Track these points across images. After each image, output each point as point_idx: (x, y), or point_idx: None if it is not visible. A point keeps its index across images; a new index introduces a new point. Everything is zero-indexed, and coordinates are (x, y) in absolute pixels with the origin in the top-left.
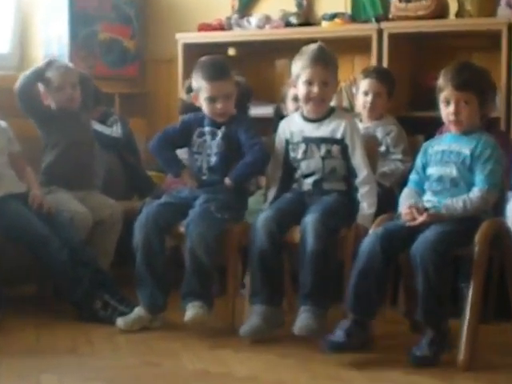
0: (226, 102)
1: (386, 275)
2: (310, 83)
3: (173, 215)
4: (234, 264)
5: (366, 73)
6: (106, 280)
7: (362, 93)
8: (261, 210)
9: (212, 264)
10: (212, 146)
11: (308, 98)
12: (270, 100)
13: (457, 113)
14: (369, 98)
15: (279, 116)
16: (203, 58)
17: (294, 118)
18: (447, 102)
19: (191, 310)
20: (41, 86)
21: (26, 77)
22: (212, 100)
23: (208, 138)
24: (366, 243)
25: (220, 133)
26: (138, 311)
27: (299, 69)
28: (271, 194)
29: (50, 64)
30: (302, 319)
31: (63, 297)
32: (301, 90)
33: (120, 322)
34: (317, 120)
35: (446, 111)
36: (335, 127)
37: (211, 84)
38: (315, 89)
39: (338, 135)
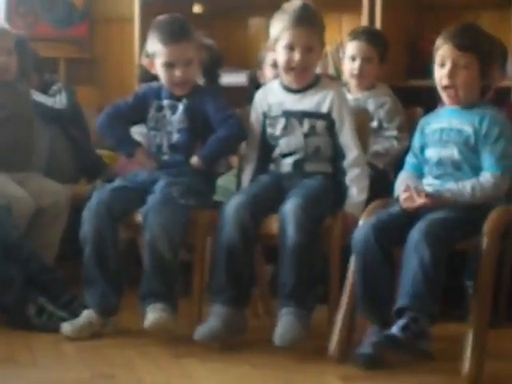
0: (186, 68)
1: (387, 270)
2: (291, 48)
3: (128, 202)
4: (201, 259)
5: (354, 34)
6: (49, 279)
7: (349, 58)
8: (232, 195)
9: (176, 259)
10: (173, 121)
11: (289, 67)
12: (244, 66)
13: (452, 75)
14: (356, 64)
15: (255, 85)
16: (159, 17)
17: (273, 87)
18: (442, 64)
19: (152, 314)
20: None
21: None
22: (169, 66)
23: (167, 112)
24: (359, 236)
25: (181, 106)
26: (88, 315)
27: (278, 31)
28: (246, 177)
29: None
30: (284, 324)
31: None
32: (280, 56)
33: (67, 327)
34: (299, 91)
35: (440, 74)
36: (320, 99)
37: (168, 47)
38: (297, 56)
39: (324, 109)
